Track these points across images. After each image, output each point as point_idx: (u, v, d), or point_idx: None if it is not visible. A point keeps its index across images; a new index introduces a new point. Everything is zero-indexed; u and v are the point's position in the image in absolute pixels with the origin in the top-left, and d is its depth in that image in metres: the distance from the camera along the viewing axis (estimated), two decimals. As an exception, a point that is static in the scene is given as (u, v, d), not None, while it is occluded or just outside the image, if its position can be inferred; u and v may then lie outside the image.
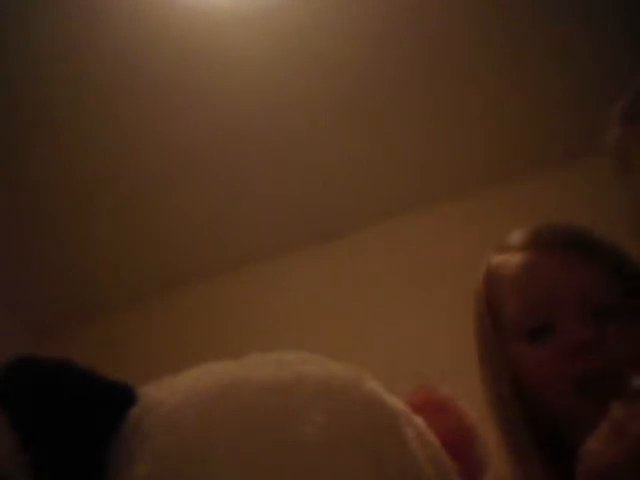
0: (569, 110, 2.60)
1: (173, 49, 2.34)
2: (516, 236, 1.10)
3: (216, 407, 0.69)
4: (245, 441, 0.66)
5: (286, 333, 2.60)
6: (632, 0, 2.27)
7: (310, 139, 2.63)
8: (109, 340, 2.93)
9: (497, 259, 1.09)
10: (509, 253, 1.08)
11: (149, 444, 0.68)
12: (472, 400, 0.98)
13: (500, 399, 1.02)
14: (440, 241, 2.75)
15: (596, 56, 2.44)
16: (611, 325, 0.99)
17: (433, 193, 2.80)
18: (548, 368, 0.99)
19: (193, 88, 2.45)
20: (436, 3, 2.31)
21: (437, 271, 2.68)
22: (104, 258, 2.90)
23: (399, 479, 0.68)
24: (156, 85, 2.43)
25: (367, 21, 2.34)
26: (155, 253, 2.89)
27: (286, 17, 2.30)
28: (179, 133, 2.55)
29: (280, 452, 0.66)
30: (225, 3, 2.25)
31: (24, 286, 2.91)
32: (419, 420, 0.77)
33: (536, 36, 2.42)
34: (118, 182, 2.67)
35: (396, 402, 0.76)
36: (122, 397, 0.72)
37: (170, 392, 0.72)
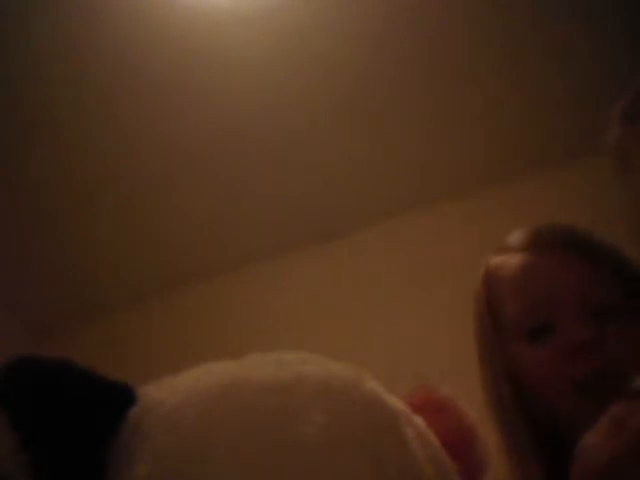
0: (569, 110, 2.60)
1: (173, 49, 2.34)
2: (516, 237, 1.10)
3: (216, 407, 0.69)
4: (245, 441, 0.66)
5: (286, 333, 2.60)
6: (632, 0, 2.27)
7: (310, 139, 2.63)
8: (109, 340, 2.93)
9: (496, 260, 1.09)
10: (509, 254, 1.08)
11: (149, 444, 0.68)
12: (472, 400, 0.98)
13: (500, 399, 1.02)
14: (440, 241, 2.75)
15: (596, 56, 2.44)
16: (611, 325, 0.99)
17: (433, 193, 2.80)
18: (548, 368, 0.99)
19: (193, 88, 2.45)
20: (436, 3, 2.31)
21: (437, 271, 2.68)
22: (104, 258, 2.90)
23: (399, 479, 0.68)
24: (156, 85, 2.43)
25: (367, 21, 2.34)
26: (155, 253, 2.89)
27: (286, 17, 2.30)
28: (179, 133, 2.55)
29: (280, 452, 0.66)
30: (225, 3, 2.25)
31: (24, 286, 2.91)
32: (419, 420, 0.77)
33: (536, 36, 2.42)
34: (118, 182, 2.67)
35: (396, 402, 0.76)
36: (122, 397, 0.72)
37: (170, 392, 0.72)
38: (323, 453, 0.66)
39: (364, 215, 2.87)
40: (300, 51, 2.39)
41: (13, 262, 2.83)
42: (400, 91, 2.54)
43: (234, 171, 2.69)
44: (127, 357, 2.72)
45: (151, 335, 2.95)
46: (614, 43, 2.39)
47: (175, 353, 2.26)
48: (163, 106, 2.48)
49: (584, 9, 2.32)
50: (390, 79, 2.50)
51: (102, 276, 2.95)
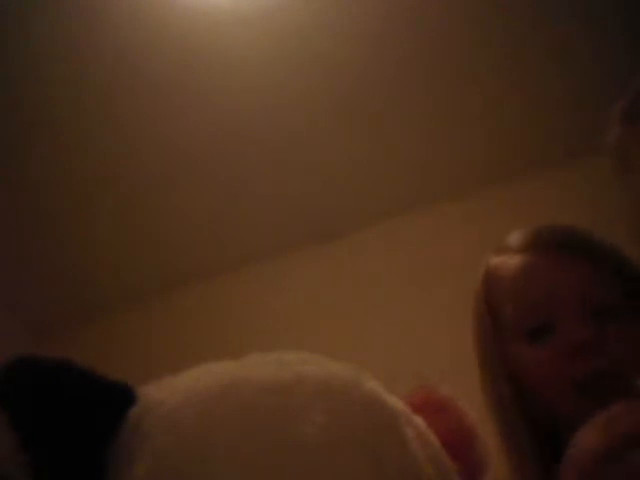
0: (569, 110, 2.60)
1: (173, 49, 2.34)
2: (515, 237, 1.10)
3: (216, 407, 0.69)
4: (245, 441, 0.66)
5: (286, 333, 2.60)
6: (632, 0, 2.27)
7: (310, 139, 2.63)
8: (109, 340, 2.93)
9: (496, 260, 1.09)
10: (508, 254, 1.08)
11: (149, 444, 0.68)
12: (472, 400, 0.98)
13: (500, 399, 1.02)
14: (440, 241, 2.75)
15: (596, 56, 2.45)
16: (611, 325, 0.99)
17: (433, 193, 2.80)
18: (548, 368, 0.99)
19: (193, 88, 2.45)
20: (436, 3, 2.31)
21: (437, 271, 2.68)
22: (104, 258, 2.90)
23: (399, 479, 0.68)
24: (156, 85, 2.43)
25: (367, 21, 2.34)
26: (155, 253, 2.89)
27: (286, 17, 2.30)
28: (179, 133, 2.55)
29: (280, 452, 0.66)
30: (225, 3, 2.25)
31: (24, 286, 2.91)
32: (419, 420, 0.77)
33: (536, 36, 2.42)
34: (118, 182, 2.67)
35: (396, 402, 0.76)
36: (122, 397, 0.72)
37: (170, 392, 0.72)
38: (323, 453, 0.66)
39: (364, 215, 2.87)
40: (300, 51, 2.39)
41: (13, 262, 2.83)
42: (400, 91, 2.54)
43: (234, 171, 2.69)
44: (127, 357, 2.72)
45: (151, 335, 2.95)
46: (614, 43, 2.39)
47: (175, 353, 2.26)
48: (163, 106, 2.48)
49: (584, 9, 2.32)
50: (390, 79, 2.50)
51: (102, 276, 2.95)
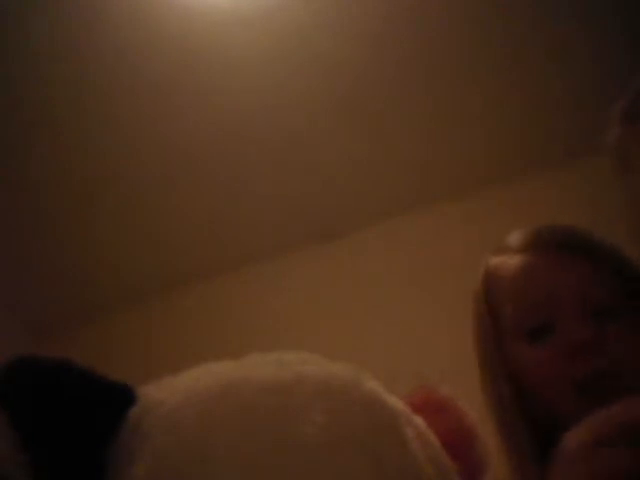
0: (569, 110, 2.60)
1: (173, 49, 2.35)
2: (515, 237, 1.10)
3: (216, 407, 0.69)
4: (245, 441, 0.66)
5: (286, 333, 2.60)
6: (632, 0, 2.27)
7: (310, 139, 2.63)
8: (109, 340, 2.93)
9: (496, 260, 1.09)
10: (508, 254, 1.08)
11: (149, 444, 0.68)
12: (472, 400, 0.98)
13: (500, 399, 1.02)
14: (440, 241, 2.75)
15: (596, 56, 2.45)
16: (611, 325, 0.99)
17: (433, 193, 2.80)
18: (548, 368, 0.99)
19: (193, 88, 2.45)
20: (436, 3, 2.31)
21: (437, 271, 2.68)
22: (104, 258, 2.90)
23: (399, 479, 0.68)
24: (156, 85, 2.43)
25: (367, 21, 2.34)
26: (155, 253, 2.89)
27: (286, 17, 2.30)
28: (179, 133, 2.56)
29: (280, 452, 0.66)
30: (225, 3, 2.25)
31: (24, 286, 2.91)
32: (419, 420, 0.77)
33: (536, 36, 2.42)
34: (118, 182, 2.67)
35: (396, 402, 0.76)
36: (122, 397, 0.72)
37: (170, 392, 0.72)
38: (323, 453, 0.66)
39: (364, 215, 2.87)
40: (300, 51, 2.39)
41: (13, 262, 2.83)
42: (400, 91, 2.54)
43: (234, 171, 2.69)
44: (127, 357, 2.72)
45: (151, 335, 2.95)
46: (614, 43, 2.40)
47: (175, 353, 2.26)
48: (163, 106, 2.48)
49: (584, 9, 2.32)
50: (390, 79, 2.50)
51: (102, 276, 2.95)
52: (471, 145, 2.71)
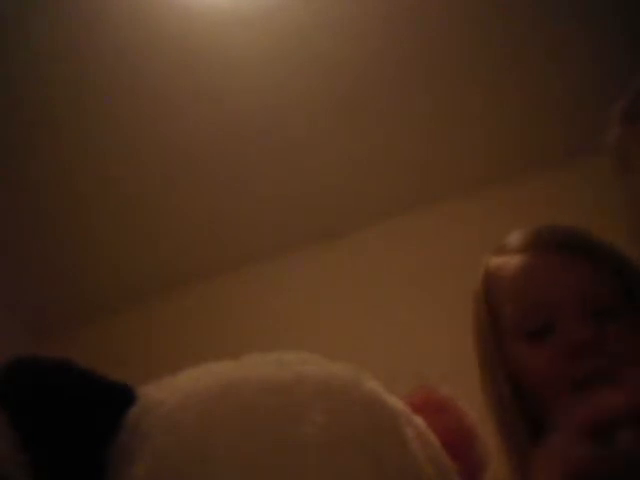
0: (569, 110, 2.60)
1: (173, 49, 2.35)
2: (515, 237, 1.10)
3: (216, 407, 0.69)
4: (245, 441, 0.66)
5: (286, 333, 2.60)
6: (632, 0, 2.27)
7: (310, 139, 2.63)
8: (109, 340, 2.93)
9: (496, 260, 1.09)
10: (508, 254, 1.08)
11: (149, 444, 0.68)
12: (472, 400, 0.98)
13: (499, 400, 1.02)
14: (440, 241, 2.75)
15: (596, 56, 2.45)
16: (611, 325, 0.99)
17: (433, 193, 2.80)
18: (548, 368, 0.99)
19: (193, 88, 2.45)
20: (436, 3, 2.31)
21: (437, 271, 2.68)
22: (104, 258, 2.90)
23: (399, 479, 0.68)
24: (156, 85, 2.43)
25: (367, 21, 2.34)
26: (155, 253, 2.89)
27: (286, 17, 2.30)
28: (179, 133, 2.55)
29: (280, 452, 0.66)
30: (225, 3, 2.25)
31: (24, 286, 2.91)
32: (419, 420, 0.78)
33: (536, 36, 2.42)
34: (118, 182, 2.67)
35: (396, 402, 0.76)
36: (122, 397, 0.72)
37: (170, 392, 0.72)
38: (323, 453, 0.66)
39: (364, 215, 2.87)
40: (300, 51, 2.39)
41: (13, 262, 2.83)
42: (400, 91, 2.54)
43: (234, 171, 2.69)
44: (127, 357, 2.72)
45: (151, 335, 2.95)
46: (614, 43, 2.39)
47: (175, 353, 2.26)
48: (163, 106, 2.48)
49: (584, 9, 2.32)
50: (390, 79, 2.50)
51: (102, 276, 2.95)
52: (471, 145, 2.71)
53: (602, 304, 1.00)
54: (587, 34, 2.40)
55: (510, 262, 1.06)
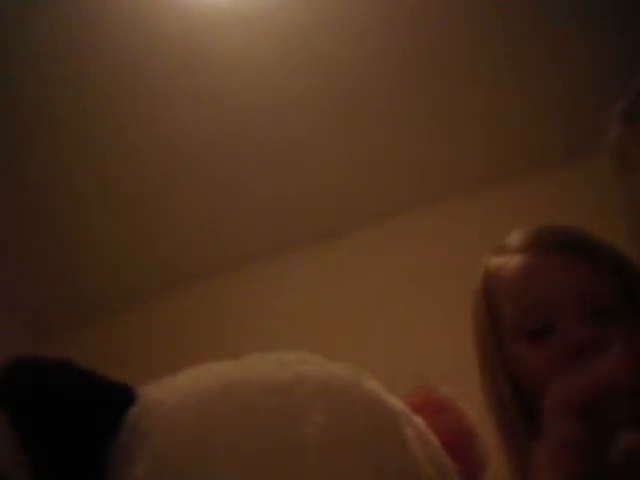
0: (569, 110, 2.60)
1: (173, 49, 2.34)
2: (515, 237, 1.10)
3: (216, 407, 0.69)
4: (245, 441, 0.66)
5: (286, 333, 2.60)
6: (632, 0, 2.27)
7: (310, 139, 2.63)
8: (109, 340, 2.93)
9: (496, 260, 1.09)
10: (508, 254, 1.08)
11: (149, 444, 0.68)
12: (472, 400, 0.98)
13: (499, 400, 1.02)
14: (440, 241, 2.75)
15: (596, 56, 2.45)
16: (611, 325, 0.99)
17: (433, 193, 2.80)
18: (548, 368, 0.99)
19: (193, 88, 2.45)
20: (436, 3, 2.31)
21: (437, 271, 2.68)
22: (104, 258, 2.90)
23: (399, 479, 0.68)
24: (156, 85, 2.43)
25: (367, 21, 2.34)
26: (155, 253, 2.89)
27: (286, 17, 2.30)
28: (179, 133, 2.55)
29: (280, 452, 0.66)
30: (225, 3, 2.25)
31: (24, 286, 2.91)
32: (419, 420, 0.78)
33: (536, 36, 2.42)
34: (118, 182, 2.67)
35: (396, 402, 0.76)
36: (122, 397, 0.72)
37: (170, 392, 0.72)
38: (323, 453, 0.66)
39: (364, 215, 2.87)
40: (300, 51, 2.39)
41: (13, 262, 2.83)
42: (400, 91, 2.54)
43: (234, 171, 2.69)
44: (127, 357, 2.72)
45: (151, 335, 2.95)
46: (614, 43, 2.39)
47: (175, 353, 2.26)
48: (163, 106, 2.48)
49: (584, 9, 2.32)
50: (390, 79, 2.50)
51: (102, 276, 2.95)
52: (471, 145, 2.71)
53: (602, 304, 1.00)
54: (587, 34, 2.40)
55: (510, 262, 1.06)
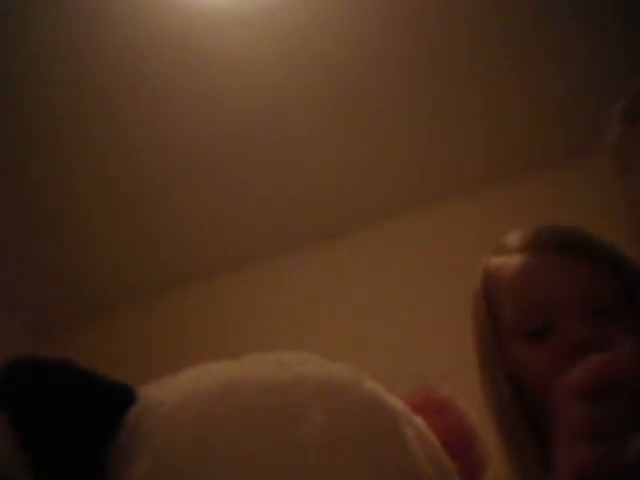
0: (569, 110, 2.60)
1: (173, 49, 2.35)
2: (515, 237, 1.10)
3: (216, 407, 0.69)
4: (245, 441, 0.66)
5: (286, 333, 2.60)
6: (632, 0, 2.27)
7: (310, 139, 2.63)
8: (109, 340, 2.93)
9: (496, 260, 1.09)
10: (508, 254, 1.08)
11: (149, 444, 0.68)
12: (472, 400, 0.98)
13: (499, 400, 1.02)
14: (440, 241, 2.75)
15: (596, 56, 2.45)
16: (611, 325, 0.99)
17: (433, 193, 2.80)
18: (548, 368, 0.99)
19: (193, 88, 2.45)
20: (436, 3, 2.31)
21: (437, 271, 2.68)
22: (104, 258, 2.90)
23: (399, 479, 0.68)
24: (156, 85, 2.43)
25: (367, 21, 2.34)
26: (155, 253, 2.89)
27: (286, 17, 2.30)
28: (179, 133, 2.55)
29: (280, 452, 0.66)
30: (225, 3, 2.25)
31: (24, 286, 2.91)
32: (419, 420, 0.77)
33: (536, 36, 2.42)
34: (118, 182, 2.67)
35: (396, 402, 0.76)
36: (122, 397, 0.72)
37: (170, 392, 0.72)
38: (323, 453, 0.66)
39: (364, 215, 2.87)
40: (300, 51, 2.39)
41: (13, 262, 2.83)
42: (400, 91, 2.54)
43: (234, 171, 2.69)
44: (127, 357, 2.72)
45: (151, 335, 2.95)
46: (614, 43, 2.40)
47: (175, 353, 2.26)
48: (163, 106, 2.48)
49: (584, 9, 2.32)
50: (390, 79, 2.50)
51: (102, 276, 2.95)
52: (471, 145, 2.71)
53: (602, 304, 1.00)
54: (587, 34, 2.40)
55: (510, 262, 1.06)
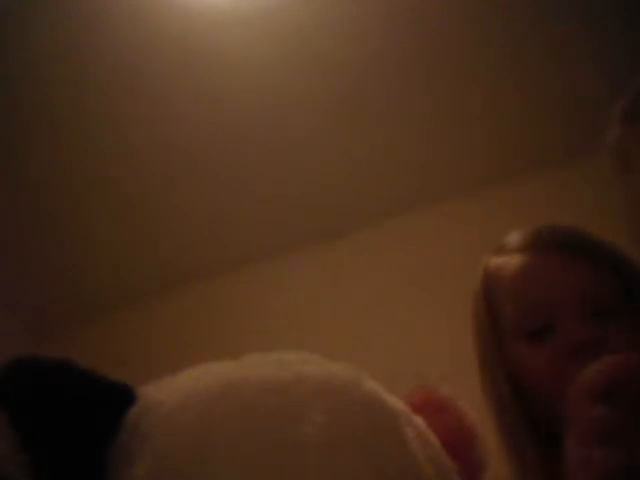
0: (569, 110, 2.60)
1: (173, 49, 2.35)
2: (515, 237, 1.10)
3: (216, 407, 0.69)
4: (245, 441, 0.66)
5: (286, 333, 2.60)
6: (632, 0, 2.27)
7: (310, 139, 2.63)
8: (109, 340, 2.93)
9: (496, 260, 1.09)
10: (508, 254, 1.08)
11: (149, 444, 0.68)
12: (472, 400, 0.98)
13: (499, 400, 1.02)
14: (440, 241, 2.75)
15: (596, 56, 2.45)
16: (611, 325, 0.99)
17: (433, 193, 2.80)
18: (548, 368, 0.99)
19: (193, 88, 2.45)
20: (436, 3, 2.31)
21: (437, 271, 2.68)
22: (104, 258, 2.90)
23: (399, 479, 0.68)
24: (156, 85, 2.43)
25: (367, 21, 2.34)
26: (155, 253, 2.89)
27: (286, 17, 2.30)
28: (179, 133, 2.55)
29: (280, 452, 0.66)
30: (225, 3, 2.25)
31: (24, 286, 2.91)
32: (419, 420, 0.77)
33: (536, 36, 2.42)
34: (118, 182, 2.67)
35: (396, 402, 0.76)
36: (122, 397, 0.72)
37: (170, 392, 0.72)
38: (323, 453, 0.66)
39: (364, 215, 2.87)
40: (300, 51, 2.39)
41: (13, 262, 2.83)
42: (400, 91, 2.54)
43: (234, 171, 2.69)
44: (127, 357, 2.72)
45: (151, 335, 2.95)
46: (614, 43, 2.39)
47: (175, 353, 2.26)
48: (163, 106, 2.48)
49: (584, 9, 2.32)
50: (390, 79, 2.50)
51: (102, 276, 2.95)
52: (471, 145, 2.71)
53: (602, 304, 1.00)
54: (587, 34, 2.40)
55: (510, 262, 1.06)
